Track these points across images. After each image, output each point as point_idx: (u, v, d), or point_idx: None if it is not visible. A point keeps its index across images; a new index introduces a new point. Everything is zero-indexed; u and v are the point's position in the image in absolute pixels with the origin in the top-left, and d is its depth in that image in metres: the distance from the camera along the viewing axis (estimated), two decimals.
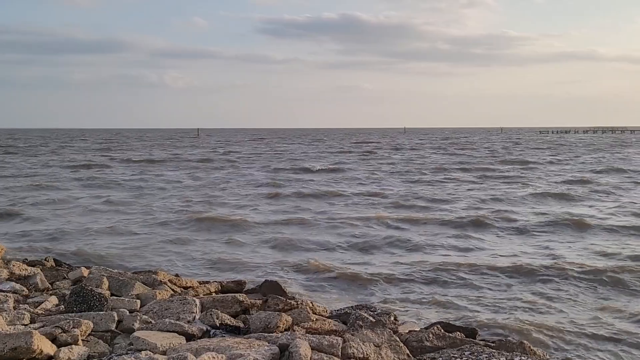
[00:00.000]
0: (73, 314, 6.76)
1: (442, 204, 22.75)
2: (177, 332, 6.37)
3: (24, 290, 8.42)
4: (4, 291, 8.14)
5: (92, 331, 6.32)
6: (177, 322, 6.64)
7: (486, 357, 6.21)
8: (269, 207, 22.37)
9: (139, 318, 6.78)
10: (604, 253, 13.64)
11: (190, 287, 9.42)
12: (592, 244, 14.82)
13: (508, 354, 6.32)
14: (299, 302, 8.28)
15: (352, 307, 9.05)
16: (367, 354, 6.12)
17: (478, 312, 9.65)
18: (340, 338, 6.25)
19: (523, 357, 6.18)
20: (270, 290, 9.50)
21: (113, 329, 6.57)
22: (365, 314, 7.92)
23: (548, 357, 6.94)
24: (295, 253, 14.30)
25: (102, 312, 6.78)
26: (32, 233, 16.66)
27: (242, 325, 7.08)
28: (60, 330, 5.97)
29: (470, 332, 7.91)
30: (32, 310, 7.16)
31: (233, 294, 8.27)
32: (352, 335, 6.47)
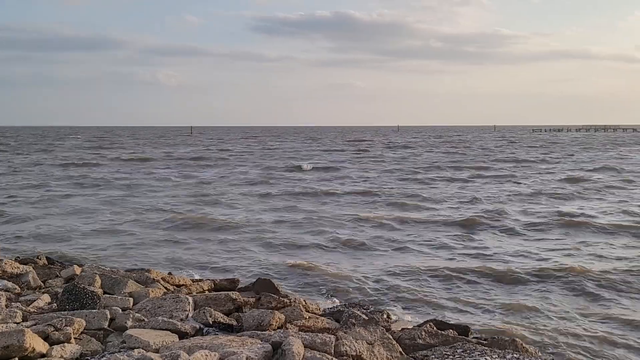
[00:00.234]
0: (65, 312, 6.74)
1: (435, 203, 22.80)
2: (170, 330, 6.36)
3: (16, 289, 8.38)
4: None
5: (84, 329, 6.30)
6: (170, 320, 6.62)
7: (478, 354, 6.24)
8: (261, 206, 22.35)
9: (131, 316, 6.76)
10: (594, 253, 13.67)
11: (183, 285, 9.40)
12: (581, 243, 14.90)
13: (500, 351, 6.35)
14: (292, 300, 8.28)
15: (345, 305, 9.07)
16: (359, 352, 6.13)
17: (470, 312, 9.67)
18: (333, 336, 6.25)
19: (515, 355, 6.20)
20: (264, 288, 9.50)
21: (106, 327, 6.55)
22: (358, 312, 7.93)
23: (540, 354, 6.97)
24: (286, 253, 14.28)
25: (94, 310, 6.76)
26: (16, 233, 16.51)
27: (235, 323, 7.07)
28: (52, 329, 5.95)
29: (463, 330, 7.93)
30: (24, 308, 7.13)
31: (226, 292, 8.26)
32: (345, 333, 6.48)
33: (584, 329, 8.77)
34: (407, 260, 13.40)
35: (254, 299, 8.30)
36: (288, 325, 7.05)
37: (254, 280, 10.25)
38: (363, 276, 11.82)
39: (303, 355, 5.63)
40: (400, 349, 6.51)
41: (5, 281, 8.59)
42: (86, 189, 28.24)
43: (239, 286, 10.00)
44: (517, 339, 7.20)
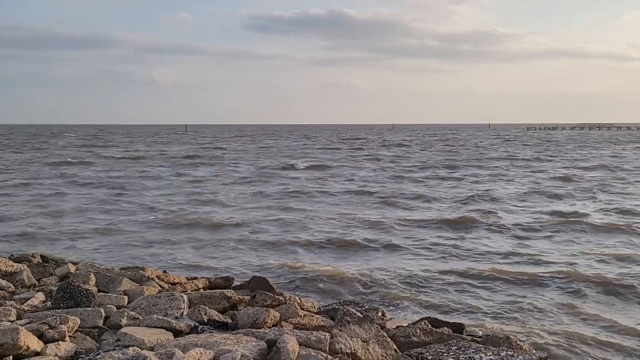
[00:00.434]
0: (60, 310, 6.74)
1: (428, 202, 22.71)
2: (164, 328, 6.36)
3: (10, 287, 8.37)
4: None
5: (79, 327, 6.30)
6: (165, 318, 6.63)
7: (473, 351, 6.26)
8: (254, 204, 22.23)
9: (126, 314, 6.76)
10: (587, 253, 13.60)
11: (178, 283, 9.41)
12: (574, 243, 14.86)
13: (495, 348, 6.37)
14: (286, 298, 8.29)
15: (339, 302, 9.09)
16: (354, 350, 6.14)
17: (462, 312, 9.65)
18: (327, 333, 6.27)
19: (509, 352, 6.23)
20: (259, 286, 9.51)
21: (100, 325, 6.55)
22: (353, 310, 7.95)
23: (534, 351, 6.99)
24: (278, 252, 14.20)
25: (89, 309, 6.76)
26: (5, 232, 16.28)
27: (230, 321, 7.08)
28: (47, 327, 5.95)
29: (457, 328, 7.96)
30: (18, 306, 7.12)
31: (221, 290, 8.27)
32: (340, 330, 6.49)
33: (578, 330, 8.73)
34: (399, 259, 13.34)
35: (249, 297, 8.31)
36: (283, 323, 7.06)
37: (249, 278, 10.25)
38: (355, 276, 11.74)
39: (298, 353, 5.64)
40: (395, 347, 6.52)
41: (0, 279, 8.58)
42: (77, 187, 27.99)
43: (234, 284, 10.02)
44: (511, 337, 7.22)
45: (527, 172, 35.65)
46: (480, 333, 8.16)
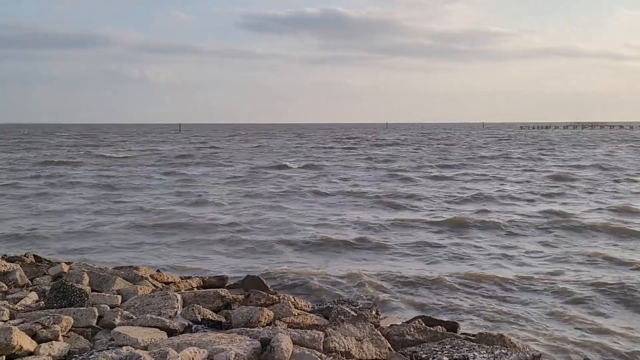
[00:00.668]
0: (53, 310, 6.72)
1: (421, 202, 22.65)
2: (158, 328, 6.35)
3: (3, 287, 8.33)
4: None
5: (72, 327, 6.28)
6: (159, 317, 6.62)
7: (467, 350, 6.27)
8: (246, 204, 22.11)
9: (120, 313, 6.74)
10: (580, 254, 13.55)
11: (171, 282, 9.39)
12: (567, 244, 14.82)
13: (488, 347, 6.38)
14: (280, 297, 8.28)
15: (334, 301, 9.09)
16: (348, 348, 6.15)
17: (454, 314, 9.64)
18: (322, 332, 6.27)
19: (503, 350, 6.24)
20: (252, 285, 9.51)
21: (94, 324, 6.54)
22: (347, 308, 7.95)
23: (528, 349, 7.00)
24: (269, 253, 14.13)
25: (82, 308, 6.74)
26: None
27: (224, 320, 7.08)
28: (40, 326, 5.93)
29: (451, 326, 7.97)
30: (11, 306, 7.09)
31: (215, 289, 8.26)
32: (334, 329, 6.49)
33: (568, 333, 8.73)
34: (390, 260, 13.32)
35: (243, 296, 8.30)
36: (277, 322, 7.06)
37: (242, 277, 10.24)
38: (346, 276, 11.71)
39: (292, 352, 5.64)
40: (389, 345, 6.53)
41: None
42: (67, 187, 27.80)
43: (228, 283, 10.00)
44: (505, 335, 7.24)
45: (520, 172, 35.75)
46: (474, 332, 8.17)
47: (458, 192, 25.40)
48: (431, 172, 35.62)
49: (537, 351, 7.22)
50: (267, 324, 6.83)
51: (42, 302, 7.34)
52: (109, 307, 7.03)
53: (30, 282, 8.93)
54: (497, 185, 28.62)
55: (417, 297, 10.54)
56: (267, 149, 65.79)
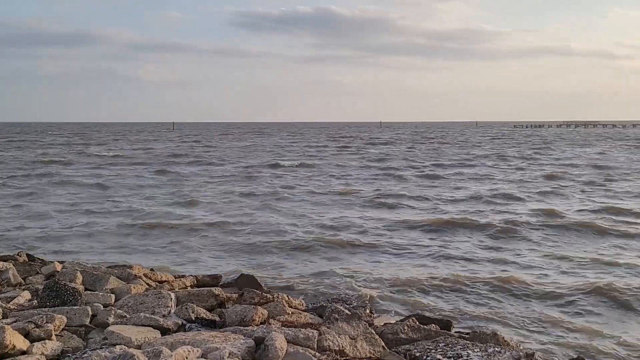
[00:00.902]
0: (46, 308, 6.69)
1: (414, 202, 22.58)
2: (152, 326, 6.34)
3: None
4: None
5: (65, 326, 6.26)
6: (152, 316, 6.61)
7: (460, 348, 6.28)
8: (238, 204, 21.99)
9: (113, 312, 6.73)
10: (568, 257, 13.39)
11: (165, 281, 9.37)
12: (557, 247, 14.68)
13: (482, 345, 6.40)
14: (274, 296, 8.28)
15: (328, 300, 9.08)
16: (342, 347, 6.15)
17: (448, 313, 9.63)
18: (316, 331, 6.27)
19: (497, 348, 6.25)
20: (246, 284, 9.49)
21: (87, 323, 6.52)
22: (341, 307, 7.96)
23: (521, 347, 7.03)
24: (260, 254, 14.02)
25: (75, 307, 6.72)
26: None
27: (217, 319, 7.07)
28: (33, 325, 5.91)
29: (445, 324, 7.98)
30: (4, 305, 7.06)
31: (209, 288, 8.25)
32: (328, 328, 6.49)
33: (559, 336, 8.70)
34: (382, 260, 13.25)
35: (237, 294, 8.29)
36: (271, 320, 7.05)
37: (237, 276, 10.23)
38: (337, 276, 11.68)
39: (286, 351, 5.64)
40: (383, 344, 6.53)
41: None
42: (57, 187, 27.50)
43: (222, 282, 9.99)
44: (498, 333, 7.26)
45: (513, 171, 35.81)
46: (468, 330, 8.19)
47: (450, 192, 25.42)
48: (424, 171, 35.64)
49: (530, 349, 7.24)
50: (261, 323, 6.83)
51: (35, 301, 7.31)
52: (102, 306, 7.01)
53: (23, 281, 8.90)
54: (490, 184, 28.61)
55: (408, 298, 10.48)
56: (260, 148, 65.69)
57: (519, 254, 13.86)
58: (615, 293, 10.51)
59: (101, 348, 5.58)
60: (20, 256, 10.85)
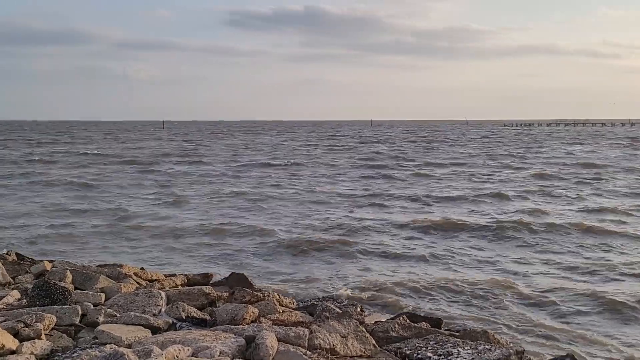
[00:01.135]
0: (36, 308, 6.66)
1: (400, 202, 22.52)
2: (142, 325, 6.32)
3: None
4: None
5: (55, 325, 6.23)
6: (143, 315, 6.59)
7: (451, 346, 6.31)
8: (225, 204, 21.86)
9: (103, 312, 6.71)
10: (554, 262, 13.21)
11: (156, 280, 9.35)
12: (545, 250, 14.47)
13: (472, 342, 6.42)
14: (265, 295, 8.28)
15: (318, 298, 9.09)
16: (333, 345, 6.16)
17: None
18: (306, 329, 6.27)
19: (487, 346, 6.28)
20: (237, 282, 9.49)
21: (77, 322, 6.49)
22: (332, 305, 7.96)
23: (511, 345, 7.06)
24: (246, 257, 13.84)
25: (65, 306, 6.69)
26: None
27: (208, 317, 7.06)
28: (22, 325, 5.88)
29: (436, 322, 8.00)
30: None
31: (199, 287, 8.24)
32: (319, 326, 6.49)
33: (547, 338, 8.70)
34: (369, 264, 13.09)
35: (228, 293, 8.29)
36: (262, 319, 7.04)
37: (228, 274, 10.22)
38: (320, 281, 11.57)
39: (277, 349, 5.63)
40: (374, 342, 6.54)
41: None
42: (41, 187, 27.19)
43: (213, 281, 9.97)
44: (488, 331, 7.28)
45: (504, 170, 35.82)
46: (458, 328, 8.22)
47: (440, 191, 25.38)
48: (414, 170, 35.66)
49: (520, 347, 7.28)
50: (252, 322, 6.82)
51: (25, 300, 7.27)
52: (92, 305, 6.98)
53: (12, 280, 8.85)
54: (480, 184, 28.62)
55: (397, 298, 10.40)
56: (249, 147, 65.51)
57: (507, 255, 13.83)
58: (603, 295, 10.48)
59: (91, 347, 5.56)
60: (10, 255, 10.80)
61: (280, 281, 11.68)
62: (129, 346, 5.64)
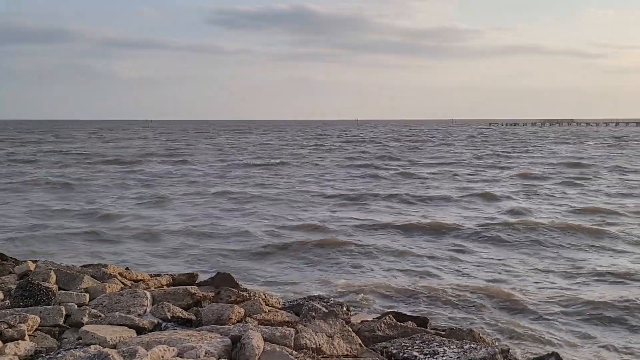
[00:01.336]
0: (19, 308, 6.60)
1: (388, 201, 22.48)
2: (127, 326, 6.28)
3: None
4: None
5: (39, 326, 6.18)
6: (128, 315, 6.55)
7: (437, 345, 6.32)
8: (208, 205, 21.65)
9: (87, 312, 6.66)
10: (536, 268, 12.97)
11: (141, 280, 9.28)
12: (529, 253, 14.30)
13: (458, 341, 6.44)
14: (251, 294, 8.25)
15: (304, 298, 9.07)
16: (319, 344, 6.15)
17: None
18: (292, 329, 6.26)
19: (472, 345, 6.30)
20: (223, 282, 9.45)
21: (61, 323, 6.44)
22: (318, 305, 7.94)
23: (497, 344, 7.08)
24: (231, 260, 13.66)
25: (49, 307, 6.64)
26: None
27: (194, 317, 7.02)
28: (5, 326, 5.82)
29: (422, 322, 8.02)
30: None
31: (185, 287, 8.19)
32: (305, 326, 6.48)
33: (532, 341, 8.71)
34: (351, 267, 12.97)
35: (213, 293, 8.25)
36: (248, 319, 7.02)
37: (214, 274, 10.17)
38: (300, 285, 11.49)
39: (263, 349, 5.61)
40: (360, 341, 6.54)
41: None
42: (23, 186, 26.82)
43: (198, 281, 9.92)
44: (474, 330, 7.30)
45: (490, 170, 35.92)
46: (444, 327, 8.23)
47: (424, 191, 25.34)
48: (399, 170, 35.68)
49: (505, 345, 7.30)
50: (238, 321, 6.80)
51: (8, 301, 7.20)
52: (76, 306, 6.93)
53: None
54: (464, 183, 28.67)
55: (380, 301, 10.37)
56: (235, 146, 65.30)
57: (491, 256, 13.77)
58: (586, 296, 10.48)
59: (75, 348, 5.51)
60: None
61: (262, 283, 11.61)
62: (114, 347, 5.60)
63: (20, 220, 18.23)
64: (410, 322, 7.70)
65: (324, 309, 7.72)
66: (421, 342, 6.46)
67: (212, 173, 34.38)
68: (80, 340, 5.83)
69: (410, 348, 6.33)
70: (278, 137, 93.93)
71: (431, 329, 7.78)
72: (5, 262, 10.26)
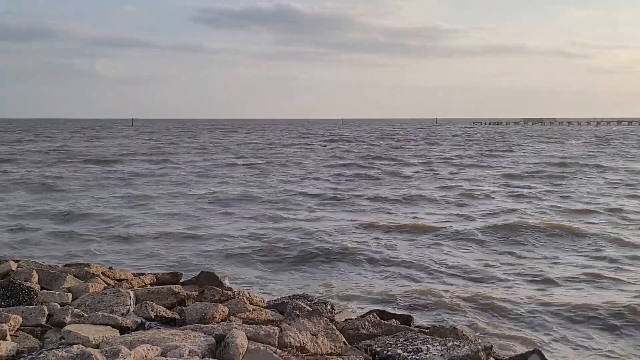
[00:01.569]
0: (1, 308, 6.55)
1: (372, 202, 22.40)
2: (110, 325, 6.26)
3: None
4: None
5: (21, 326, 6.14)
6: (111, 314, 6.52)
7: (420, 342, 6.35)
8: (185, 208, 21.19)
9: (70, 312, 6.62)
10: (526, 268, 12.78)
11: (124, 279, 9.24)
12: (513, 254, 14.23)
13: (441, 339, 6.48)
14: (235, 293, 8.25)
15: (289, 296, 9.08)
16: (303, 343, 6.16)
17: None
18: (277, 327, 6.27)
19: (456, 342, 6.34)
20: (207, 281, 9.43)
21: (43, 323, 6.41)
22: (302, 303, 7.95)
23: (480, 341, 7.13)
24: (216, 263, 13.37)
25: (31, 307, 6.60)
26: None
27: (178, 316, 7.01)
28: None
29: (406, 319, 8.06)
30: None
31: (169, 286, 8.18)
32: (289, 324, 6.50)
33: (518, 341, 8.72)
34: (333, 269, 12.86)
35: (197, 292, 8.24)
36: (232, 317, 7.02)
37: (198, 273, 10.15)
38: (280, 288, 11.34)
39: (247, 348, 5.62)
40: (344, 339, 6.57)
41: None
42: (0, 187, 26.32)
43: (182, 280, 9.91)
44: (457, 327, 7.34)
45: (474, 169, 36.02)
46: (428, 324, 8.27)
47: (405, 191, 25.28)
48: (382, 169, 35.67)
49: (488, 342, 7.35)
50: (222, 320, 6.80)
51: None
52: (59, 305, 6.90)
53: None
54: (447, 182, 28.69)
55: (356, 304, 10.24)
56: (219, 145, 65.01)
57: (472, 258, 13.67)
58: (567, 297, 10.51)
59: (58, 348, 5.48)
60: None
61: (244, 283, 11.52)
62: (97, 346, 5.57)
63: None
64: (394, 320, 7.74)
65: (308, 308, 7.75)
66: (405, 340, 6.49)
67: (195, 172, 34.11)
68: (63, 340, 5.80)
69: (394, 346, 6.36)
70: (262, 136, 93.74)
71: (415, 327, 7.82)
72: None
